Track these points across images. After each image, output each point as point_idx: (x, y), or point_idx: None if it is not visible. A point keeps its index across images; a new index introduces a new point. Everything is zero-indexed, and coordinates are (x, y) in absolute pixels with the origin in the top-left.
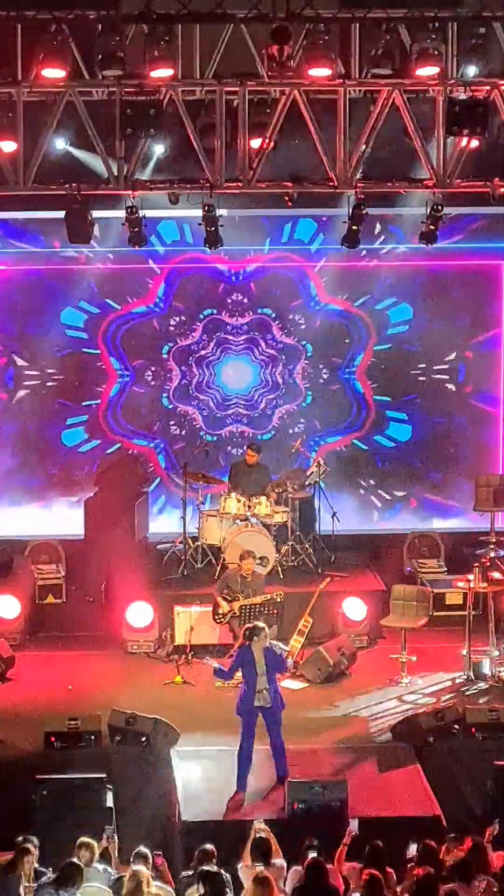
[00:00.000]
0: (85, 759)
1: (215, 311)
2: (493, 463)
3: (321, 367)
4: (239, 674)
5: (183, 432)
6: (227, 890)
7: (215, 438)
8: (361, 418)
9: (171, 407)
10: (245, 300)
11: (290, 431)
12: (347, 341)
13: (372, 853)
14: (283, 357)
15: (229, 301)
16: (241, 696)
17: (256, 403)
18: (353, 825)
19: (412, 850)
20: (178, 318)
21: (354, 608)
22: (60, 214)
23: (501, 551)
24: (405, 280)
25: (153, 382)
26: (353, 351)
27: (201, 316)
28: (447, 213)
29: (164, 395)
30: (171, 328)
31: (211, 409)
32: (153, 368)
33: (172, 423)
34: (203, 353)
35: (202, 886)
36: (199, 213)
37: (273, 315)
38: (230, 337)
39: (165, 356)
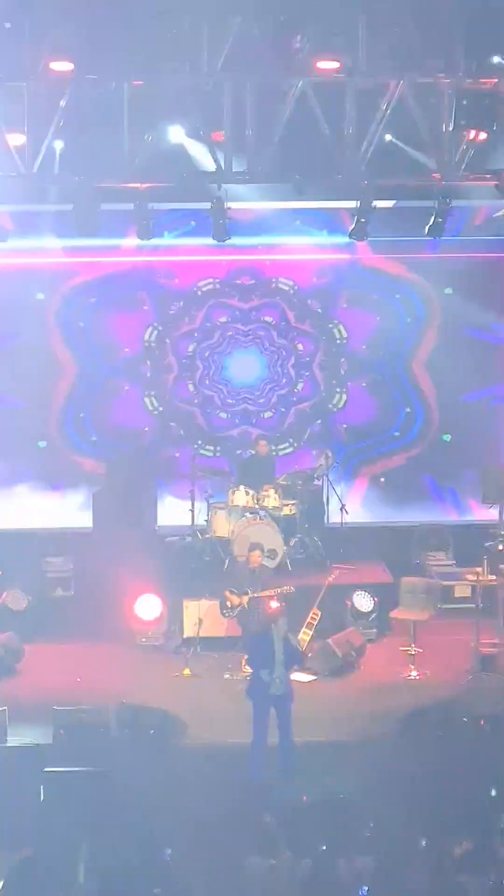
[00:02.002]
0: (93, 751)
1: (219, 293)
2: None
3: (349, 356)
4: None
5: (182, 431)
6: None
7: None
8: (415, 425)
9: (168, 404)
10: (253, 281)
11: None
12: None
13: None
14: (300, 346)
15: (237, 281)
16: (255, 682)
17: (267, 400)
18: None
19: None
20: (177, 304)
21: (363, 601)
22: (68, 207)
23: None
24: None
25: (149, 376)
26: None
27: (202, 297)
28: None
29: (158, 391)
30: (170, 314)
31: (216, 406)
32: (148, 361)
33: (172, 422)
34: (207, 342)
35: None
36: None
37: (289, 292)
38: (238, 325)
39: (162, 346)
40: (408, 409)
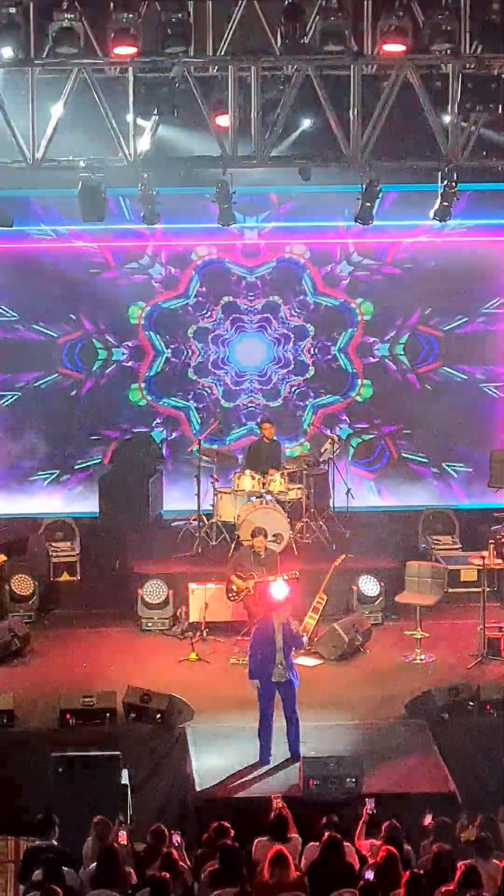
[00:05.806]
0: (100, 736)
1: (231, 297)
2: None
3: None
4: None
5: (187, 417)
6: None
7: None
8: None
9: (193, 380)
10: (257, 289)
11: (300, 403)
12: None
13: (389, 831)
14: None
15: (243, 288)
16: (258, 668)
17: (269, 378)
18: (370, 804)
19: (427, 819)
20: (198, 302)
21: (369, 585)
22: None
23: None
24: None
25: (175, 359)
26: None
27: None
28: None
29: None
30: (196, 313)
31: (227, 385)
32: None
33: (199, 389)
34: (219, 332)
35: (218, 862)
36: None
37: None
38: (244, 317)
39: (189, 336)
40: None
